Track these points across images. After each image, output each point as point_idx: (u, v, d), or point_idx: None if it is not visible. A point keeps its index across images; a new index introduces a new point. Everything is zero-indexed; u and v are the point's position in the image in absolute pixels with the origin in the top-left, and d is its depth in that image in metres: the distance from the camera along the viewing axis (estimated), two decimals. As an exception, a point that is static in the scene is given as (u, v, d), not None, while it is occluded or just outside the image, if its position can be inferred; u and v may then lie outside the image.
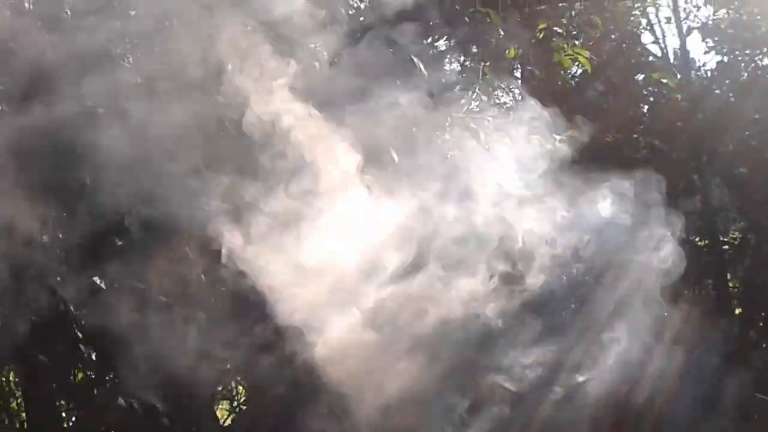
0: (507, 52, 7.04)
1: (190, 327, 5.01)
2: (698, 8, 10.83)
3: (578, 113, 9.03)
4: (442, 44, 6.84)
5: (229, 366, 5.70)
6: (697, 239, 9.99)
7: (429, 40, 6.59)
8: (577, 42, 6.69)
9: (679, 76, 8.39)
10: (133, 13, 4.58)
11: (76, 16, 4.45)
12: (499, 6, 5.97)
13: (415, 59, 5.12)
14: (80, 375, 6.42)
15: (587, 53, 6.50)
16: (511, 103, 9.01)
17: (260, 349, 4.83)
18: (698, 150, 9.57)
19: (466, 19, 6.05)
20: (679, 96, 8.59)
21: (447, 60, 6.89)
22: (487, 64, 6.86)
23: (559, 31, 7.01)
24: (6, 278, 5.15)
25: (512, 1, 6.35)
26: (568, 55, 6.48)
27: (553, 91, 7.85)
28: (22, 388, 6.92)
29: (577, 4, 8.30)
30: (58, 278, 5.36)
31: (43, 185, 4.60)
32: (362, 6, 6.62)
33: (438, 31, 6.58)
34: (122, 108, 4.22)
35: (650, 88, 9.35)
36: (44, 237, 5.27)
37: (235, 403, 8.42)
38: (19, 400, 7.34)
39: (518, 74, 9.66)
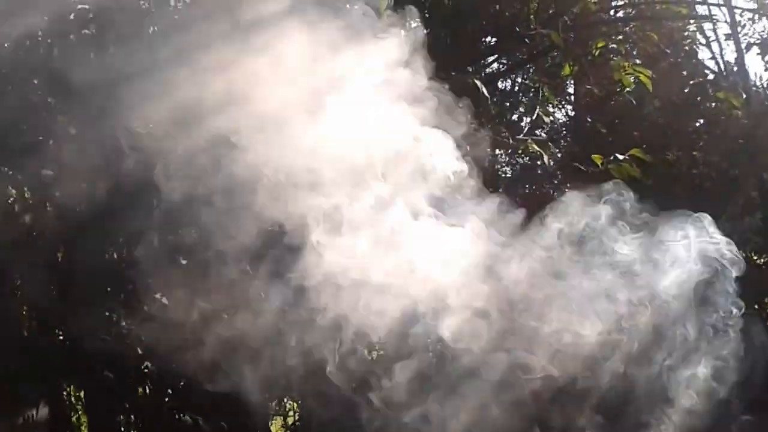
0: (562, 69, 7.02)
1: (248, 346, 5.08)
2: (754, 22, 10.67)
3: (636, 130, 9.01)
4: (499, 64, 6.84)
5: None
6: (756, 257, 9.79)
7: (488, 60, 6.61)
8: (637, 61, 6.61)
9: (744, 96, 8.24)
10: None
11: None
12: (559, 27, 5.95)
13: (478, 82, 5.14)
14: (143, 391, 6.55)
15: (648, 72, 6.43)
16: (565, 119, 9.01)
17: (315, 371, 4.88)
18: (758, 167, 9.38)
19: (526, 40, 6.05)
20: (739, 112, 8.44)
21: (504, 80, 6.90)
22: (545, 83, 6.87)
23: (618, 48, 6.97)
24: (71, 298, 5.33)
25: (572, 21, 6.32)
26: (628, 73, 6.42)
27: (610, 108, 7.79)
28: (85, 403, 7.06)
29: (632, 21, 8.23)
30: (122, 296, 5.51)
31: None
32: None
33: (496, 53, 6.60)
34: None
35: (708, 104, 9.20)
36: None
37: (290, 420, 8.50)
38: (79, 414, 7.49)
39: (571, 90, 9.65)
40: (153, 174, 4.10)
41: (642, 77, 6.47)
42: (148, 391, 6.42)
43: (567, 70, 6.93)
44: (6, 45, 4.91)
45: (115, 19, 4.95)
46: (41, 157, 4.85)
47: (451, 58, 6.10)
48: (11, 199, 5.01)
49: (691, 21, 8.95)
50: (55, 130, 4.95)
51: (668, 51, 8.88)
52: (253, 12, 4.14)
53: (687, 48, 9.60)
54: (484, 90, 5.18)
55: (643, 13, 8.15)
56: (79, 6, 5.07)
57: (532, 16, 6.25)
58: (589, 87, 6.91)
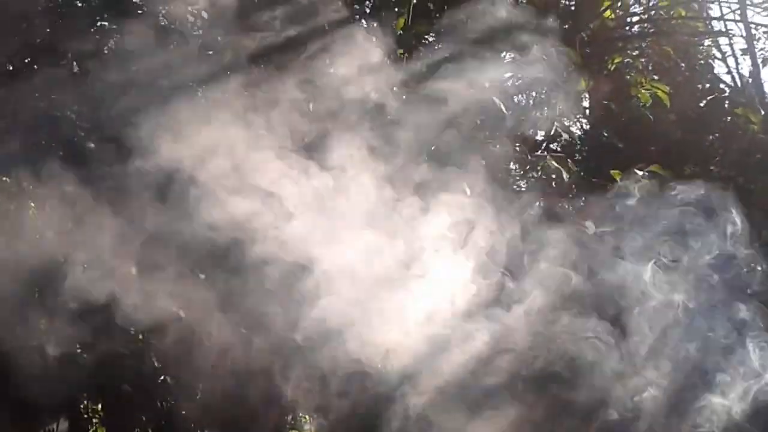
0: (578, 84, 7.04)
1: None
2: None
3: (652, 145, 9.00)
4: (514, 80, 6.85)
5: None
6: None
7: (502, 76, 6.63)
8: (654, 76, 6.63)
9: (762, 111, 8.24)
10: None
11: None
12: (577, 44, 5.98)
13: (496, 99, 5.17)
14: (161, 404, 6.59)
15: (666, 88, 6.45)
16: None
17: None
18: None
19: (543, 57, 6.07)
20: (755, 127, 8.44)
21: (520, 95, 6.91)
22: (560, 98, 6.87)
23: (634, 63, 7.00)
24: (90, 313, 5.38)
25: (589, 37, 6.35)
26: (646, 89, 6.44)
27: (626, 122, 7.80)
28: (102, 416, 7.11)
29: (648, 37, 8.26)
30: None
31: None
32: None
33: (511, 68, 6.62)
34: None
35: (724, 119, 9.19)
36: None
37: (306, 432, 8.50)
38: (96, 427, 7.54)
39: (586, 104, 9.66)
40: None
41: (660, 93, 6.50)
42: (165, 404, 6.47)
43: (583, 84, 6.95)
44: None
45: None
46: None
47: (467, 73, 6.14)
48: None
49: (707, 37, 8.98)
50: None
51: (683, 65, 8.89)
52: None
53: (702, 62, 9.60)
54: (503, 106, 5.20)
55: (659, 28, 8.19)
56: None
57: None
58: (606, 102, 6.93)
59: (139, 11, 5.34)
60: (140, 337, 5.72)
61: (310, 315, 4.15)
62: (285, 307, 4.28)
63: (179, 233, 4.33)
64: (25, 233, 4.58)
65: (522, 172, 6.83)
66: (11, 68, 5.39)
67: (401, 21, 6.38)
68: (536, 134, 6.66)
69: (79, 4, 5.76)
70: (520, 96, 6.87)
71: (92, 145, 5.03)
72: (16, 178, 4.69)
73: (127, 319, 5.27)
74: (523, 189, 7.39)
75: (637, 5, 8.16)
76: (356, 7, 6.77)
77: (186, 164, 4.14)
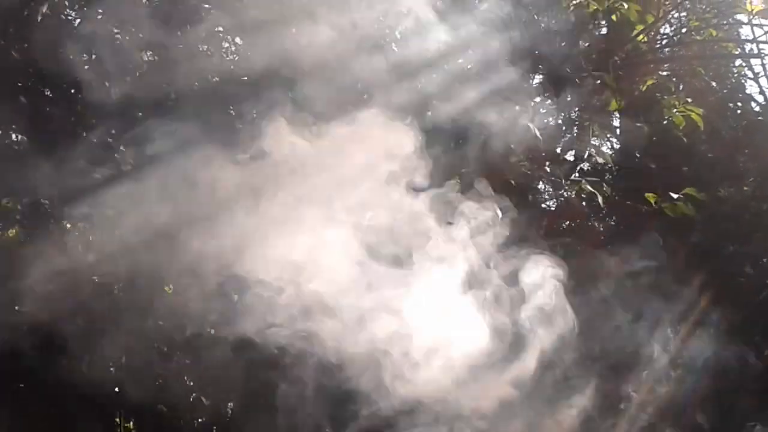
0: (609, 104, 7.04)
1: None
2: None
3: (684, 166, 8.93)
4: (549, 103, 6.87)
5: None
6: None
7: (537, 100, 6.65)
8: (687, 99, 6.61)
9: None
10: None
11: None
12: (610, 67, 5.99)
13: (531, 125, 5.20)
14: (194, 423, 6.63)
15: (699, 110, 6.42)
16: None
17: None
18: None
19: (577, 80, 6.10)
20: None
21: (553, 119, 6.92)
22: (593, 121, 6.88)
23: (667, 86, 6.98)
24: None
25: (622, 60, 6.36)
26: (679, 111, 6.42)
27: (659, 143, 7.76)
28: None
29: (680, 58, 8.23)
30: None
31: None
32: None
33: (546, 92, 6.64)
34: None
35: (757, 139, 9.09)
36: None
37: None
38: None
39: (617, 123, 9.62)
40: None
41: (693, 115, 6.47)
42: (198, 423, 6.52)
43: (614, 105, 6.95)
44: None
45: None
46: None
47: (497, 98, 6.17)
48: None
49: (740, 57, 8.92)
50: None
51: (715, 85, 8.83)
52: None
53: (734, 82, 9.53)
54: (537, 132, 5.22)
55: (691, 49, 8.17)
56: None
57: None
58: (639, 125, 6.91)
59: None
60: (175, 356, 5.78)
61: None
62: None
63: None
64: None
65: (556, 196, 6.83)
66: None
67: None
68: (569, 156, 6.66)
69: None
70: (553, 119, 6.89)
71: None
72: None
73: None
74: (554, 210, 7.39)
75: (667, 26, 8.15)
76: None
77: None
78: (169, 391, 5.87)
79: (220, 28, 5.64)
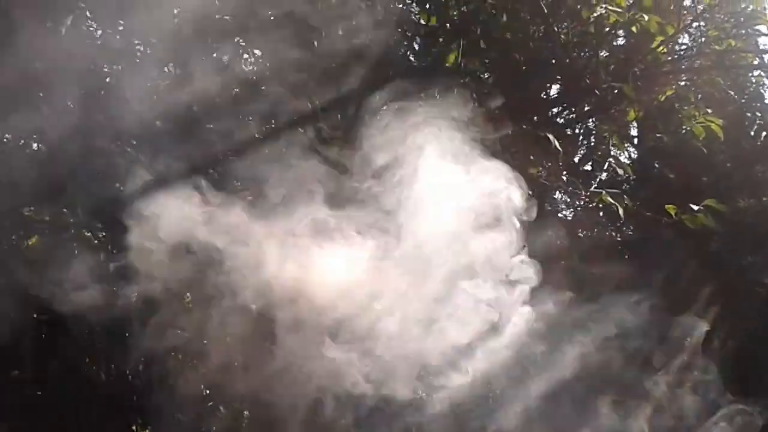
0: (627, 115, 7.02)
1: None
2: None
3: (703, 176, 8.91)
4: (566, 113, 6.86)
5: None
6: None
7: (555, 111, 6.66)
8: (707, 109, 6.58)
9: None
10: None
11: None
12: (630, 78, 5.98)
13: (551, 136, 5.19)
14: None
15: (719, 121, 6.39)
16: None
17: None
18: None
19: (597, 92, 6.09)
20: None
21: (572, 129, 6.91)
22: (612, 132, 6.87)
23: (687, 96, 6.95)
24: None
25: (641, 71, 6.34)
26: (699, 122, 6.39)
27: (676, 154, 7.74)
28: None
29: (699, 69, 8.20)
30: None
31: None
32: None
33: (563, 102, 6.64)
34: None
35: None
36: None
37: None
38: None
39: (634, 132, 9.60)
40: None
41: (713, 126, 6.44)
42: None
43: (632, 115, 6.92)
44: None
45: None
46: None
47: (519, 110, 6.17)
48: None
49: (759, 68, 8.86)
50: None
51: (735, 95, 8.79)
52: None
53: (753, 91, 9.49)
54: (557, 144, 5.22)
55: (709, 59, 8.13)
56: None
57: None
58: (659, 135, 6.89)
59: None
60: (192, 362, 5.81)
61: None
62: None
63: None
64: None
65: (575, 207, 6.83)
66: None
67: (451, 57, 6.43)
68: (587, 167, 6.65)
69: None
70: (570, 129, 6.89)
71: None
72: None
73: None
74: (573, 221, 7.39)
75: (686, 35, 8.13)
76: (405, 43, 6.84)
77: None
78: (187, 399, 5.91)
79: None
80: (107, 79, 5.71)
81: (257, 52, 6.25)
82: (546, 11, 5.91)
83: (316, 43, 5.43)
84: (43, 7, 5.20)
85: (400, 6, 6.68)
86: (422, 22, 6.70)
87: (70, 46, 5.35)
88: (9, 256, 5.84)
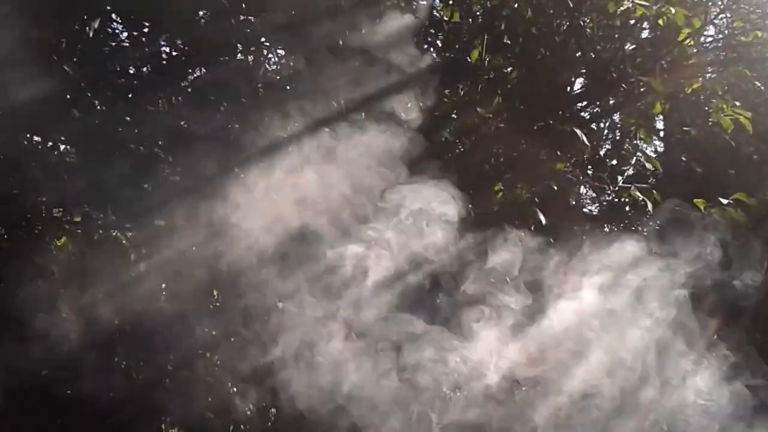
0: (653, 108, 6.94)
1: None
2: None
3: (731, 169, 8.79)
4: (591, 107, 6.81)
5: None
6: None
7: (580, 105, 6.61)
8: (735, 102, 6.49)
9: None
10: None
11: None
12: (657, 72, 5.92)
13: (578, 131, 5.16)
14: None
15: (747, 114, 6.31)
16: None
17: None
18: None
19: (623, 86, 6.03)
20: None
21: (598, 123, 6.86)
22: (639, 125, 6.80)
23: (714, 88, 6.86)
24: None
25: (668, 63, 6.27)
26: (727, 115, 6.31)
27: (705, 146, 7.65)
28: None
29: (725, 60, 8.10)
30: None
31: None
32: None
33: (589, 96, 6.59)
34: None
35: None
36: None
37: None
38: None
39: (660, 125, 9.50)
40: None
41: (742, 119, 6.36)
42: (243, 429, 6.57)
43: (658, 108, 6.85)
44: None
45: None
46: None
47: (545, 103, 6.13)
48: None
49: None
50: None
51: (762, 87, 8.67)
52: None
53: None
54: (584, 138, 5.18)
55: (735, 51, 8.03)
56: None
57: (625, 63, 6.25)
58: (686, 129, 6.81)
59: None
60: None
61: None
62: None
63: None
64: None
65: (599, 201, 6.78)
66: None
67: (475, 53, 6.40)
68: (614, 161, 6.60)
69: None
70: (596, 124, 6.84)
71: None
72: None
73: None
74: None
75: (712, 27, 8.03)
76: (428, 39, 6.82)
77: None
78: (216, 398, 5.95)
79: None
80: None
81: (281, 52, 6.28)
82: (571, 5, 5.86)
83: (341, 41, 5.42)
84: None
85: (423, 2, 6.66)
86: (445, 18, 6.68)
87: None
88: (39, 256, 5.92)
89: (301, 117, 5.06)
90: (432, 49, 6.84)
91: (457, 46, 6.54)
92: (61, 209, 5.99)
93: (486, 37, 6.25)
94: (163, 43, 5.85)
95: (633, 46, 6.56)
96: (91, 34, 5.24)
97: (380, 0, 5.69)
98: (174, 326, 5.38)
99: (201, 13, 5.78)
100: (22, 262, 5.71)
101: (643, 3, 5.55)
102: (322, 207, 4.30)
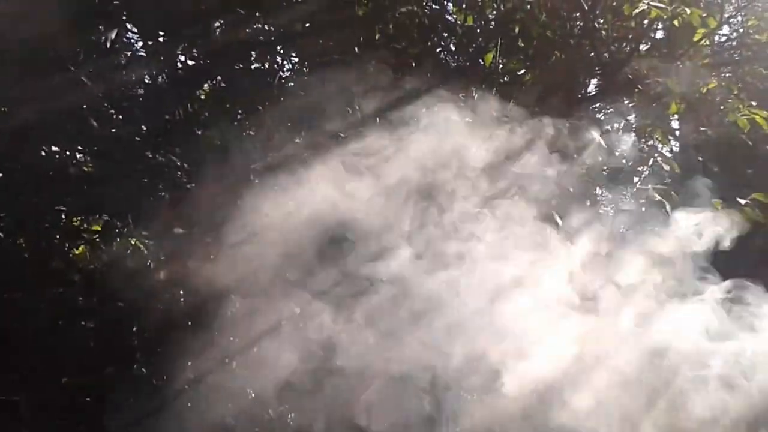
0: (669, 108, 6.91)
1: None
2: None
3: (748, 168, 8.75)
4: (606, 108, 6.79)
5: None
6: None
7: (596, 107, 6.59)
8: (751, 102, 6.47)
9: None
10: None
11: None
12: (672, 72, 5.90)
13: (596, 134, 5.14)
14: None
15: (765, 113, 6.27)
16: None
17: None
18: None
19: (639, 87, 6.03)
20: None
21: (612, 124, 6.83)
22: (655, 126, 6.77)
23: (730, 88, 6.83)
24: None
25: (683, 64, 6.26)
26: (744, 115, 6.28)
27: (720, 146, 7.61)
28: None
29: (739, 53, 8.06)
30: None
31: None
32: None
33: (604, 97, 6.57)
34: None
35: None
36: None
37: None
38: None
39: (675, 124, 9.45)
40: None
41: (758, 118, 6.33)
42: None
43: (674, 108, 6.82)
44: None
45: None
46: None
47: (560, 106, 6.12)
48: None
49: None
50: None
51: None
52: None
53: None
54: (602, 141, 5.17)
55: (750, 50, 7.99)
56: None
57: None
58: (702, 129, 6.78)
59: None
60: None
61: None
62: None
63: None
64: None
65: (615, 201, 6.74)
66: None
67: (489, 56, 6.40)
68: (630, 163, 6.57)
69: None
70: (611, 125, 6.80)
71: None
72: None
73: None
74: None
75: (726, 26, 7.99)
76: (442, 43, 6.82)
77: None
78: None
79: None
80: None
81: (294, 58, 6.31)
82: (586, 7, 5.85)
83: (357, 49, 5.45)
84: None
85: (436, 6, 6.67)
86: (458, 21, 6.68)
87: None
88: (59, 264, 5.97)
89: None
90: (446, 54, 6.85)
91: (470, 50, 6.53)
92: (80, 218, 6.05)
93: (500, 40, 6.25)
94: (179, 52, 5.90)
95: (648, 47, 6.55)
96: (107, 45, 5.28)
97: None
98: (191, 336, 5.42)
99: (217, 23, 5.83)
100: (43, 271, 5.79)
101: (659, 5, 5.54)
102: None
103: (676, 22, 5.79)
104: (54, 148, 5.81)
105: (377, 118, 5.16)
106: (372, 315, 4.23)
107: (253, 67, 5.68)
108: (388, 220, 4.27)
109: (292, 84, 5.81)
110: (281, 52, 5.96)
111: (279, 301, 4.64)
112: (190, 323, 5.51)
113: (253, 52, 5.86)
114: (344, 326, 4.32)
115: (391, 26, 6.26)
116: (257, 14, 5.48)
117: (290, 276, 4.38)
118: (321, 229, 4.27)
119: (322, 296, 4.37)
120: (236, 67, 5.76)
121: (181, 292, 5.46)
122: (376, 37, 6.12)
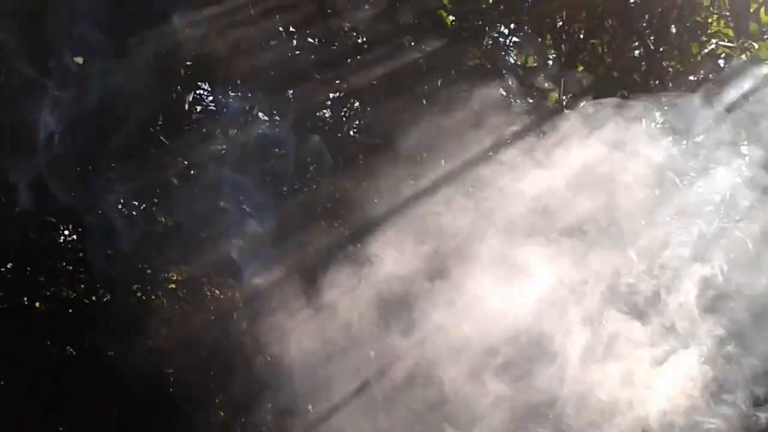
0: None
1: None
2: None
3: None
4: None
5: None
6: None
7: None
8: None
9: None
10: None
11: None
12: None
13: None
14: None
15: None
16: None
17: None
18: None
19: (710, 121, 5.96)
20: None
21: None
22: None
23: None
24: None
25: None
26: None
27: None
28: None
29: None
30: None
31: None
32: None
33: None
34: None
35: None
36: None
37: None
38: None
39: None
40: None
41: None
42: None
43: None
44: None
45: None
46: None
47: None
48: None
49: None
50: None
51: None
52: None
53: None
54: (677, 180, 5.14)
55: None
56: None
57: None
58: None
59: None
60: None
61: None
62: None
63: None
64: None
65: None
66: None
67: (553, 96, 6.44)
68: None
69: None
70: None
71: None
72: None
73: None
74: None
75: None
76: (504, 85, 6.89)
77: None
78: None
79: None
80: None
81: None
82: (652, 47, 5.85)
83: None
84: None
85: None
86: (518, 62, 6.75)
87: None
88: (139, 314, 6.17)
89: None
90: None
91: (535, 94, 6.59)
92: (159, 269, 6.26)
93: (565, 78, 6.29)
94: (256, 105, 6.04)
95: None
96: (186, 107, 5.49)
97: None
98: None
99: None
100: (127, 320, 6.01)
101: (728, 44, 5.51)
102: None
103: (744, 56, 5.75)
104: (141, 205, 6.04)
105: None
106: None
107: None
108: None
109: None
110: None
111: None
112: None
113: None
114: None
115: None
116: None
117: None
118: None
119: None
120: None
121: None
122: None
